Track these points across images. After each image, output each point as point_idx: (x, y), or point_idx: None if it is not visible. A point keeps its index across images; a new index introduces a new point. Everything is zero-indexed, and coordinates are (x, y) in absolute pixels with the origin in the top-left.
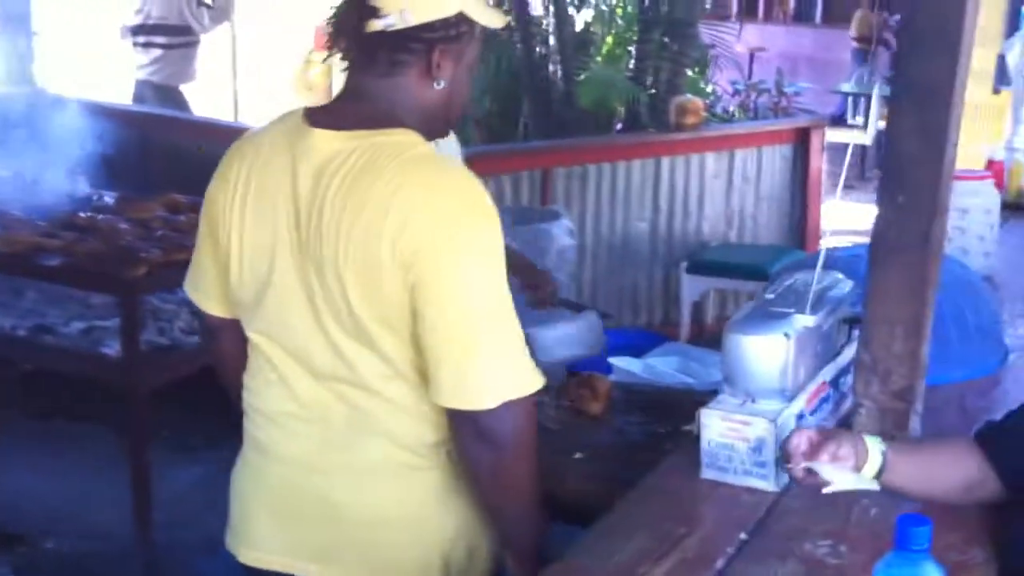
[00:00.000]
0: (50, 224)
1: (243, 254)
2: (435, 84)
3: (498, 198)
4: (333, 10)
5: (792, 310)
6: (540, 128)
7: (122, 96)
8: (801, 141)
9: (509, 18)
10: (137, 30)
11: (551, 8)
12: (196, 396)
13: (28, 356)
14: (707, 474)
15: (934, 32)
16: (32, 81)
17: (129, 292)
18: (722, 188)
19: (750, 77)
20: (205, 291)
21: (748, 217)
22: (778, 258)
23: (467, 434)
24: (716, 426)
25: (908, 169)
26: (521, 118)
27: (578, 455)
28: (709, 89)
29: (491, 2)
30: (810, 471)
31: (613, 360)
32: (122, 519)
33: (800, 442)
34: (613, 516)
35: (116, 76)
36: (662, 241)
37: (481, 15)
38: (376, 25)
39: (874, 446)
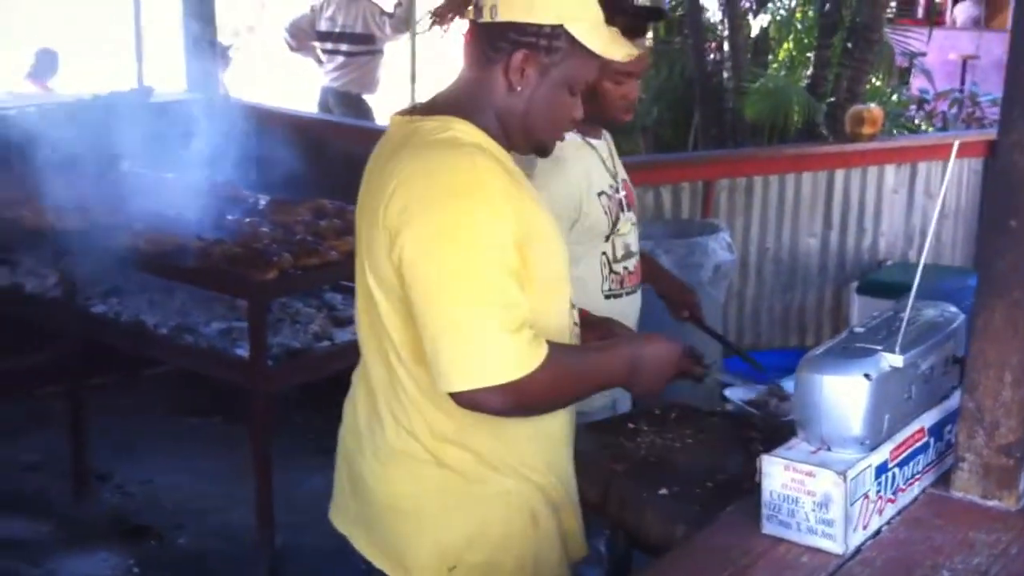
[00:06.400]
0: (197, 225)
1: None
2: (513, 88)
3: (656, 210)
4: None
5: (879, 347)
6: (710, 138)
7: (313, 102)
8: (994, 155)
9: (631, 52)
10: (325, 36)
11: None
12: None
13: (167, 354)
14: (768, 529)
15: None
16: (217, 87)
17: (256, 295)
18: (902, 203)
19: (962, 86)
20: None
21: (931, 235)
22: (963, 281)
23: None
24: (779, 475)
25: (1022, 189)
26: (692, 127)
27: (663, 491)
28: (895, 99)
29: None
30: None
31: (729, 392)
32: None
33: None
34: (650, 574)
35: (312, 83)
36: (832, 258)
37: (590, 38)
38: (470, 13)
39: None
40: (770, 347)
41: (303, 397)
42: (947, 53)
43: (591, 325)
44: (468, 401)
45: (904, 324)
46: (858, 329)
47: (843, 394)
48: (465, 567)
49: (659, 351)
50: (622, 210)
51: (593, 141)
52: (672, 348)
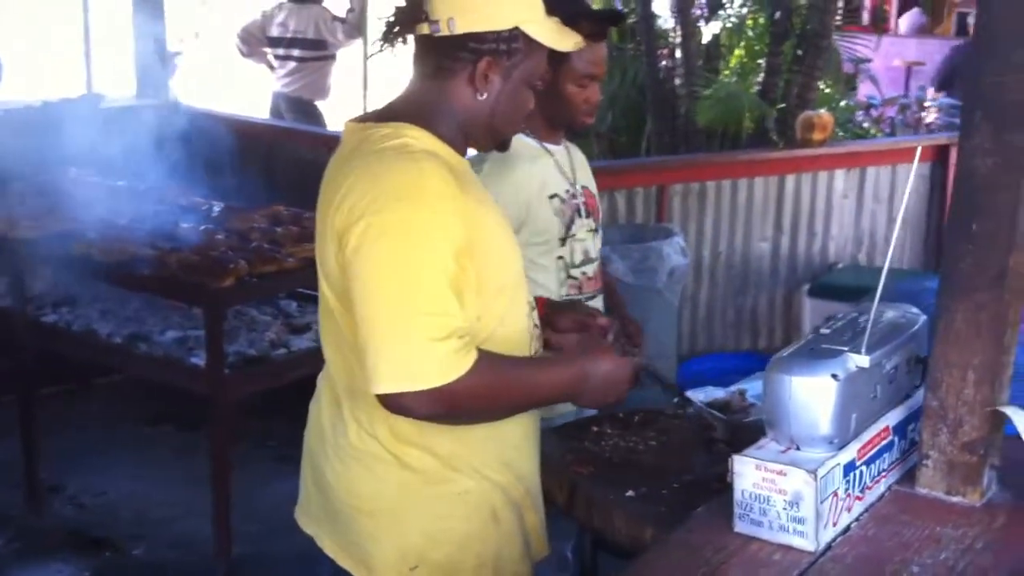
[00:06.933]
0: (151, 233)
1: None
2: (478, 95)
3: (610, 215)
4: (394, 7)
5: (845, 348)
6: (663, 143)
7: (262, 108)
8: (941, 159)
9: (579, 41)
10: (276, 42)
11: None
12: (305, 406)
13: (121, 363)
14: (740, 528)
15: (1014, 36)
16: (166, 93)
17: (213, 303)
18: (851, 208)
19: (906, 92)
20: None
21: (880, 239)
22: (920, 283)
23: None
24: (750, 475)
25: (983, 193)
26: (645, 133)
27: (630, 493)
28: (843, 104)
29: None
30: None
31: (691, 393)
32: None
33: None
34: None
35: (260, 88)
36: (784, 262)
37: (543, 35)
38: (424, 28)
39: None
40: (723, 350)
41: (261, 405)
42: (892, 59)
43: (560, 310)
44: (392, 404)
45: (870, 326)
46: (824, 330)
47: (811, 394)
48: (427, 566)
49: (609, 369)
50: (578, 215)
51: (551, 147)
52: (623, 364)
